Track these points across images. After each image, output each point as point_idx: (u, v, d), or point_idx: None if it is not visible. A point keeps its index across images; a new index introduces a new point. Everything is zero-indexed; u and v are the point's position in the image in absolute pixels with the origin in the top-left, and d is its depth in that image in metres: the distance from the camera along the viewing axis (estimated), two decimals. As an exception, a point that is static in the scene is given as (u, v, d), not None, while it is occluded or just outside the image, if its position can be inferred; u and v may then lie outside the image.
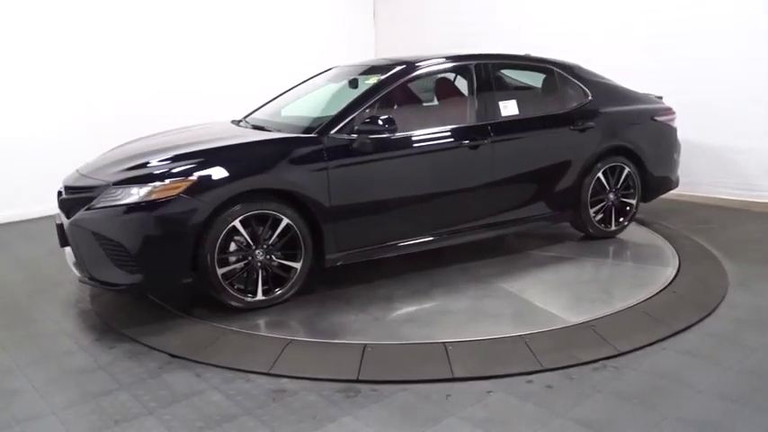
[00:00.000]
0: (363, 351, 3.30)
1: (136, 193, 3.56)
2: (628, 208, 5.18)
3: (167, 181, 3.58)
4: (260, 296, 3.86)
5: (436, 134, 4.41)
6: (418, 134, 4.34)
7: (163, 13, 7.34)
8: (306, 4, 8.64)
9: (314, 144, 3.97)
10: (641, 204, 5.32)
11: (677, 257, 4.66)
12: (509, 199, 4.69)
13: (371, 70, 4.77)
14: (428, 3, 8.72)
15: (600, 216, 5.07)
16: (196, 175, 3.62)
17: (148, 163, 3.81)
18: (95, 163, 4.23)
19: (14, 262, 5.18)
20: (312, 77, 5.33)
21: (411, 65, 4.54)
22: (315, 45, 8.54)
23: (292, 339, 3.46)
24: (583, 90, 5.01)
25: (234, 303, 3.80)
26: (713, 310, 3.77)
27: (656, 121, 5.30)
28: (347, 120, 4.09)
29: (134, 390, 3.03)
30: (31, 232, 6.06)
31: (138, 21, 7.14)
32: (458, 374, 3.07)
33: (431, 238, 4.41)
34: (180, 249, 3.60)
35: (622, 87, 5.32)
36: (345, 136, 4.04)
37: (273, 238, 3.82)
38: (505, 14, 7.81)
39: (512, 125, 4.64)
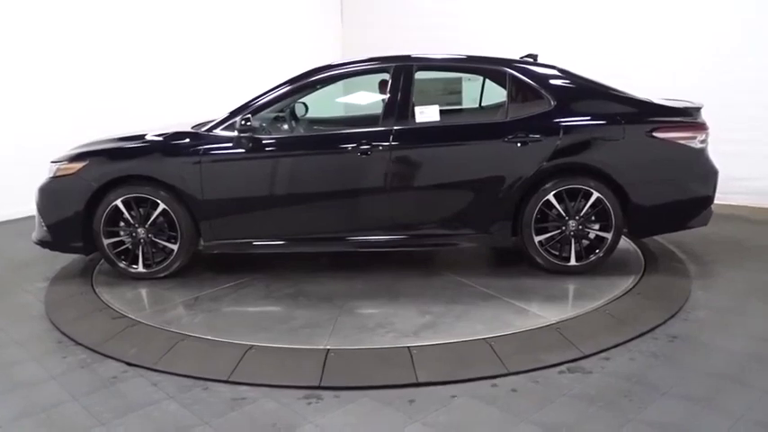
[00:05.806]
0: (326, 356, 3.23)
1: (51, 170, 4.39)
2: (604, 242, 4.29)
3: (68, 162, 4.31)
4: (140, 268, 4.40)
5: (323, 137, 4.48)
6: (301, 137, 4.54)
7: (130, 17, 7.24)
8: (272, 6, 8.57)
9: (194, 139, 4.27)
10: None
11: (642, 259, 4.69)
12: (409, 213, 4.28)
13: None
14: (395, 5, 8.72)
15: (557, 246, 4.32)
16: (89, 159, 4.29)
17: (79, 147, 4.47)
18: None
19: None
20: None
21: (320, 68, 4.45)
22: (281, 46, 8.51)
23: (253, 345, 3.37)
24: (545, 97, 4.23)
25: (120, 270, 4.41)
26: (677, 312, 3.79)
27: (653, 137, 4.18)
28: (232, 118, 4.28)
29: (86, 401, 2.91)
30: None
31: (110, 26, 7.05)
32: (422, 379, 3.02)
33: (313, 241, 4.40)
34: (70, 217, 4.29)
35: (618, 95, 4.30)
36: (227, 134, 4.25)
37: (151, 219, 4.30)
38: (474, 17, 7.84)
39: (422, 133, 4.23)
